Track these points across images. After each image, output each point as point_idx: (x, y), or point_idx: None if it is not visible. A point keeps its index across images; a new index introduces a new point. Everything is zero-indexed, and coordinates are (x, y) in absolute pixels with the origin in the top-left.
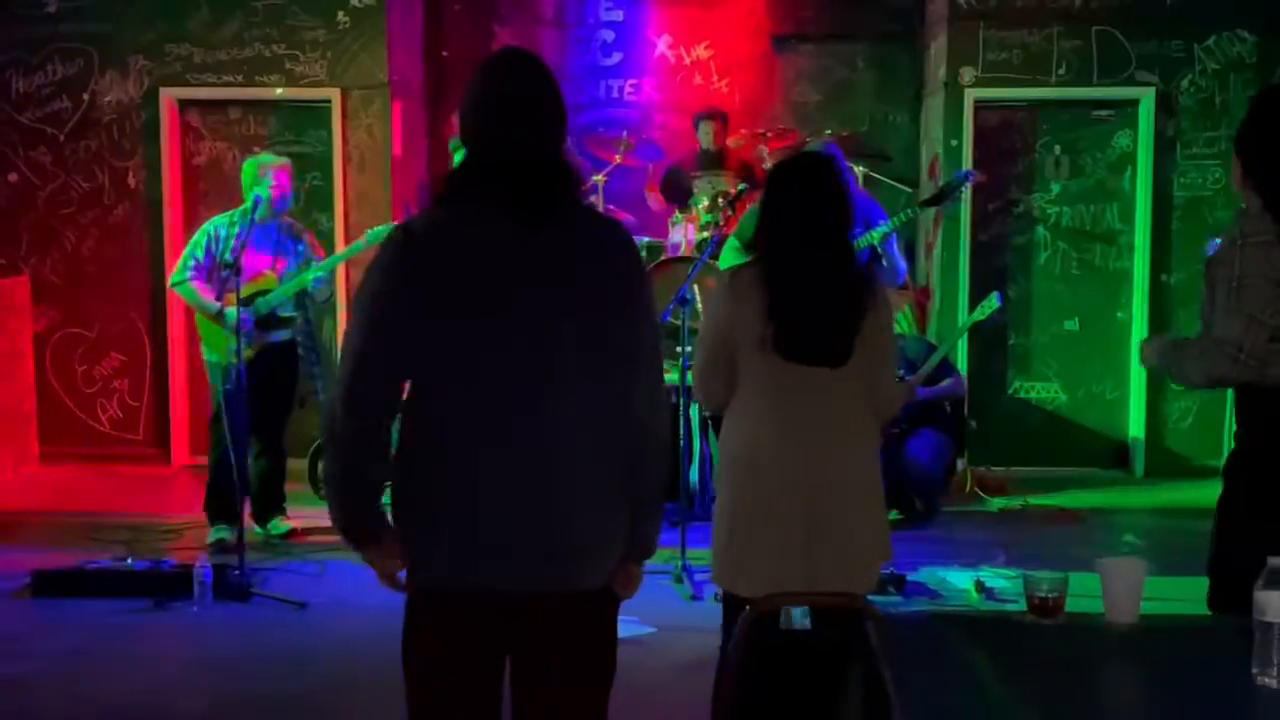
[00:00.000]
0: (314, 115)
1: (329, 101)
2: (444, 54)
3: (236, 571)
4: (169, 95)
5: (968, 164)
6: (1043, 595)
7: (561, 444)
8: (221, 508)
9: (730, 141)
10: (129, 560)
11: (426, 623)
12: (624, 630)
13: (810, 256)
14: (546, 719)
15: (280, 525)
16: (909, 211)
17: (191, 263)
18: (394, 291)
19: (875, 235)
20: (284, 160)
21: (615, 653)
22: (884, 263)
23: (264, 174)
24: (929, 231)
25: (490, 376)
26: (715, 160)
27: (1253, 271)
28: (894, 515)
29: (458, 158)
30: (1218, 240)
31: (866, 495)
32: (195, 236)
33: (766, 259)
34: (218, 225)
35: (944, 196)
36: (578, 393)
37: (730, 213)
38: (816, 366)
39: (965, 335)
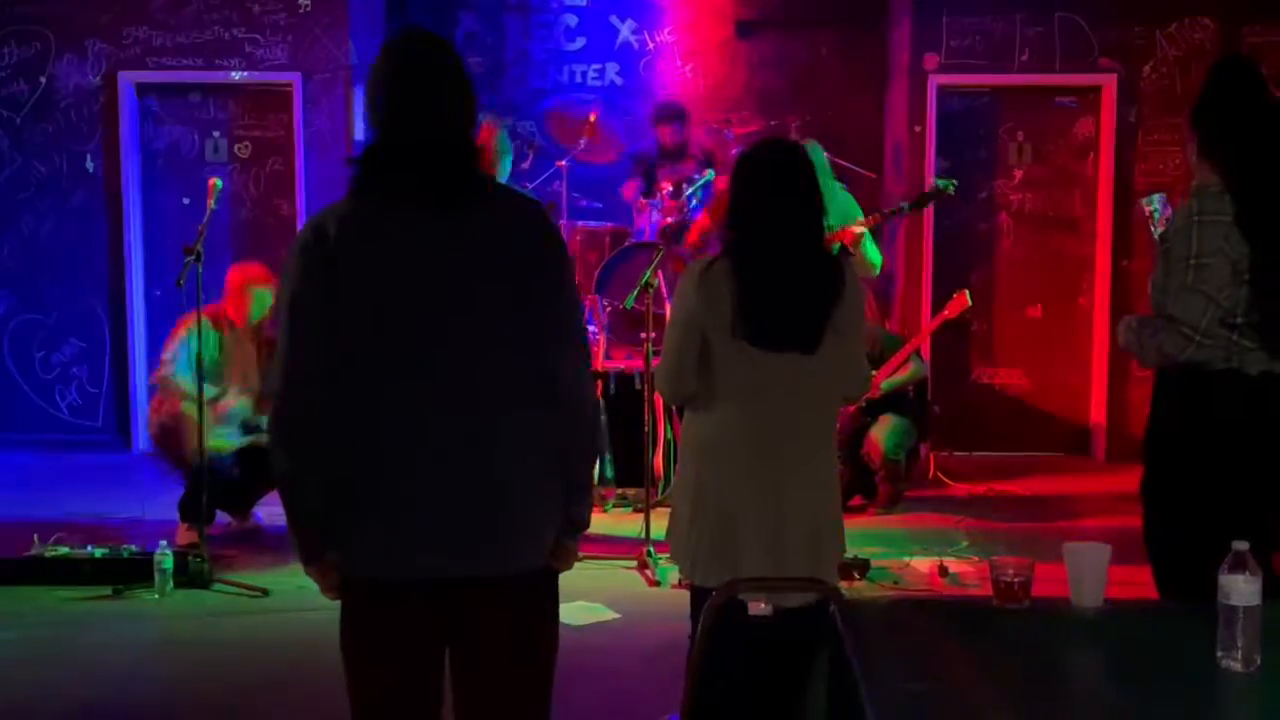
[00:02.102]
0: (275, 99)
1: (290, 85)
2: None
3: (198, 559)
4: (128, 79)
5: (932, 149)
6: (1008, 580)
7: (491, 426)
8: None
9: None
10: (88, 548)
11: (364, 614)
12: (588, 617)
13: (780, 243)
14: (489, 703)
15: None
16: (900, 208)
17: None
18: (310, 294)
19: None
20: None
21: (556, 633)
22: (854, 255)
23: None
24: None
25: (414, 365)
26: (677, 151)
27: (1212, 250)
28: (858, 501)
29: None
30: (1154, 198)
31: (828, 489)
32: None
33: (736, 247)
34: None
35: (928, 201)
36: (504, 374)
37: (695, 199)
38: (787, 353)
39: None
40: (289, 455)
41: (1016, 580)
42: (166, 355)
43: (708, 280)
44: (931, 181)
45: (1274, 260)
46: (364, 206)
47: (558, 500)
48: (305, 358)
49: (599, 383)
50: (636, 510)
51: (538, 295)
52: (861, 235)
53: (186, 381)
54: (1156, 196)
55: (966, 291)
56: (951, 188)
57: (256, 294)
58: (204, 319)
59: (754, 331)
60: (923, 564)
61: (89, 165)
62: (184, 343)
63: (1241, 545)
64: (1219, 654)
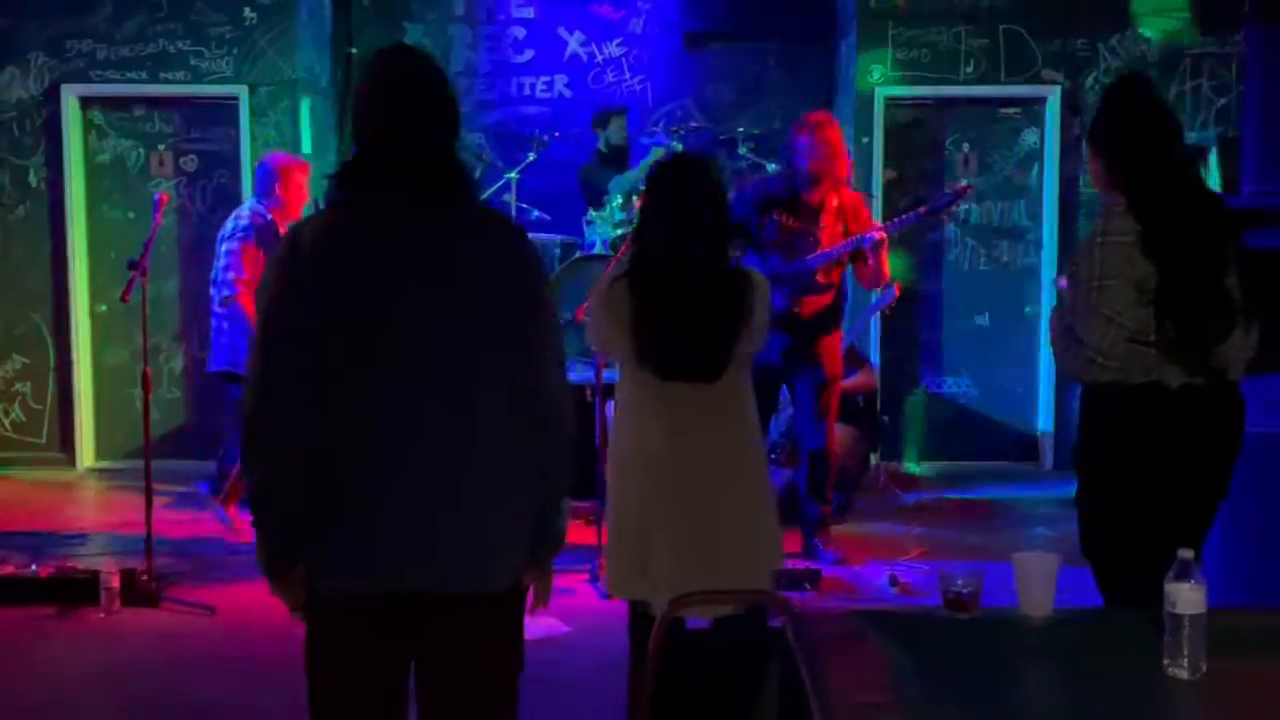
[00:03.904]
0: (221, 112)
1: (236, 98)
2: (352, 51)
3: (144, 577)
4: (71, 92)
5: (879, 161)
6: (957, 590)
7: (461, 442)
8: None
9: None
10: (33, 567)
11: (329, 628)
12: (539, 629)
13: (679, 269)
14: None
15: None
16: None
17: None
18: (286, 305)
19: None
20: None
21: (523, 653)
22: (870, 261)
23: (293, 176)
24: None
25: (385, 377)
26: (621, 151)
27: (1113, 272)
28: None
29: None
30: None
31: (754, 495)
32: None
33: (636, 270)
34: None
35: (948, 204)
36: (476, 390)
37: None
38: (689, 382)
39: (876, 322)
40: (263, 466)
41: (965, 590)
42: (247, 276)
43: (610, 303)
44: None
45: (1178, 278)
46: (342, 216)
47: (528, 519)
48: (279, 368)
49: None
50: (588, 523)
51: (514, 312)
52: (884, 241)
53: None
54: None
55: (898, 282)
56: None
57: (301, 178)
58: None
59: (654, 364)
60: (874, 573)
61: (32, 179)
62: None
63: (1186, 554)
64: (1165, 662)
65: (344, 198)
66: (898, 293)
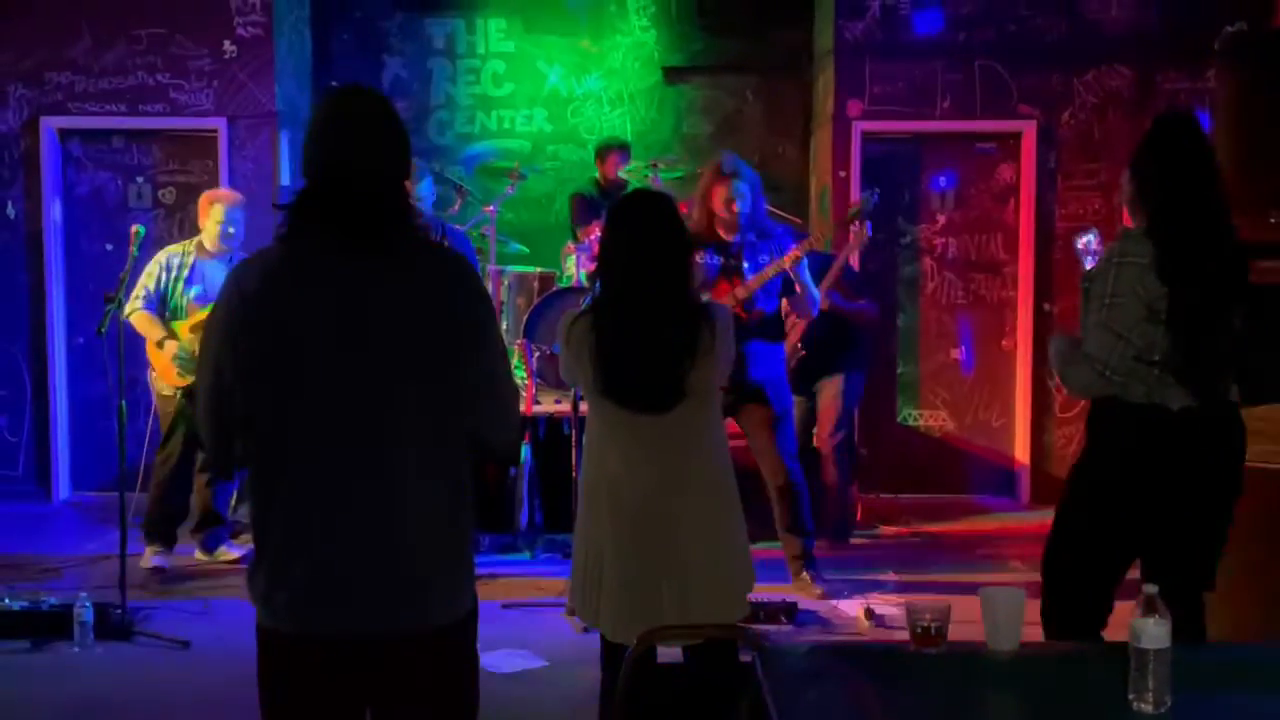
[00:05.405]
0: (199, 145)
1: (215, 131)
2: (333, 84)
3: (118, 610)
4: (50, 124)
5: (856, 195)
6: (925, 625)
7: (400, 481)
8: (162, 528)
9: (621, 172)
10: (5, 600)
11: (277, 667)
12: (516, 664)
13: (636, 303)
14: None
15: (226, 554)
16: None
17: (143, 293)
18: (230, 347)
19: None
20: (234, 196)
21: (476, 686)
22: (797, 289)
23: (208, 209)
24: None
25: (323, 417)
26: (619, 186)
27: (1126, 291)
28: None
29: None
30: (1087, 236)
31: (717, 523)
32: (148, 266)
33: (598, 305)
34: (170, 255)
35: (854, 218)
36: (415, 428)
37: None
38: (645, 414)
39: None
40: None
41: (933, 624)
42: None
43: (573, 336)
44: (855, 200)
45: (1190, 303)
46: (286, 253)
47: (470, 554)
48: (223, 402)
49: (526, 432)
50: (565, 556)
51: (455, 349)
52: (799, 259)
53: (149, 319)
54: (1091, 236)
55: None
56: (868, 203)
57: (213, 210)
58: (171, 251)
59: (612, 393)
60: (850, 606)
61: (10, 211)
62: (153, 275)
63: (1151, 589)
64: (1130, 696)
65: (285, 234)
66: (868, 234)
